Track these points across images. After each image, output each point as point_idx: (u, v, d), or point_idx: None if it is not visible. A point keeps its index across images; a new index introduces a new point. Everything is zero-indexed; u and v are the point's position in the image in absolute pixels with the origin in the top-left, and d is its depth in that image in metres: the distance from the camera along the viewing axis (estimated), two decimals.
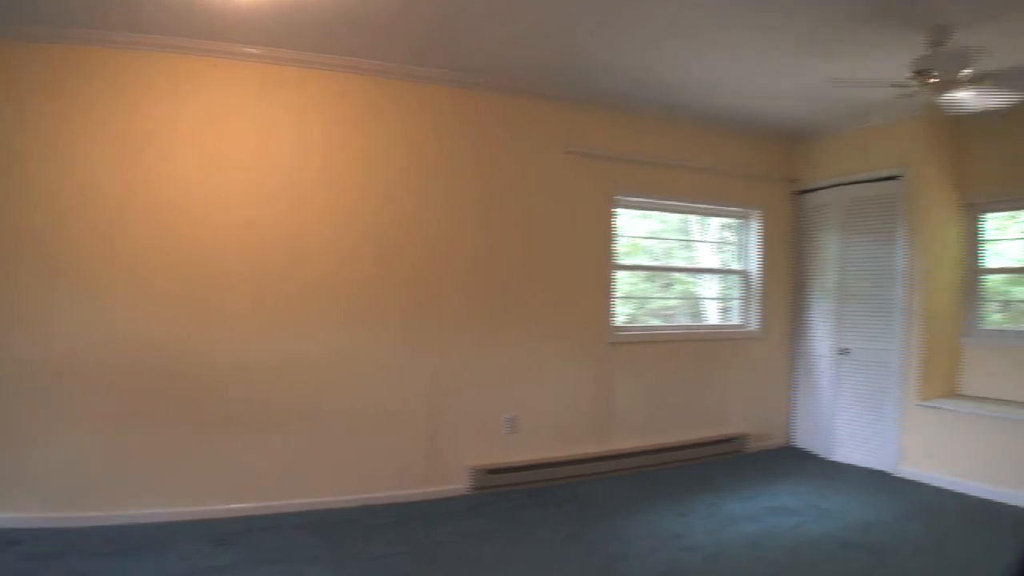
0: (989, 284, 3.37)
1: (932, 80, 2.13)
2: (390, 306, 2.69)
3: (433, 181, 2.77)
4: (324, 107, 2.58)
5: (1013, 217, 3.36)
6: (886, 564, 2.13)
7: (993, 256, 3.35)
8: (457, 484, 2.78)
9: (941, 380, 3.24)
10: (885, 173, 3.27)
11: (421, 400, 2.74)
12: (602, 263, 3.20)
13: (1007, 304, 3.39)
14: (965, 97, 2.21)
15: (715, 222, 3.87)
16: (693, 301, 3.94)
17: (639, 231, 3.64)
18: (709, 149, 3.49)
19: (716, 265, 3.88)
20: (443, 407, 2.80)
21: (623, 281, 3.47)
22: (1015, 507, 2.67)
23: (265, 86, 2.48)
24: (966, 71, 2.08)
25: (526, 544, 2.26)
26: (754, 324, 3.71)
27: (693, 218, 3.78)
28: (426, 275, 2.77)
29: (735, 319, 3.77)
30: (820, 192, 3.64)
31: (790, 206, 3.82)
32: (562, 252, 3.08)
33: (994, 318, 3.37)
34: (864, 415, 3.36)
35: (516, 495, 2.78)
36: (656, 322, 3.72)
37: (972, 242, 3.36)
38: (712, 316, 3.84)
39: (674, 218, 3.70)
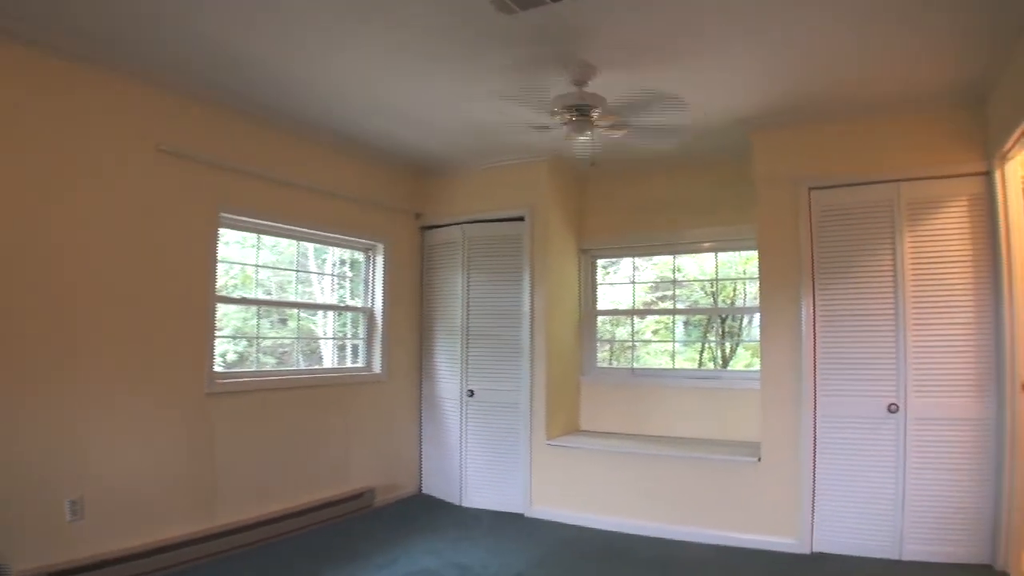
0: (600, 325, 4.91)
1: (573, 119, 2.92)
2: None
3: None
4: None
5: (615, 263, 5.02)
6: None
7: (602, 299, 4.92)
8: None
9: (565, 418, 4.52)
10: (511, 213, 4.49)
11: None
12: (199, 295, 3.33)
13: (612, 343, 4.98)
14: (600, 139, 3.12)
15: (335, 254, 4.68)
16: (312, 343, 4.64)
17: (251, 258, 4.05)
18: (336, 171, 4.21)
19: (334, 301, 4.67)
20: None
21: (232, 316, 4.00)
22: (638, 536, 3.81)
23: None
24: (606, 115, 2.91)
25: None
26: (378, 366, 4.55)
27: (312, 248, 4.51)
28: None
29: (357, 361, 4.54)
30: (448, 228, 4.75)
31: (417, 241, 4.89)
32: (145, 278, 3.10)
33: (603, 356, 4.92)
34: (494, 458, 4.42)
35: None
36: (271, 365, 4.24)
37: (588, 285, 4.87)
38: (332, 358, 4.57)
39: (292, 246, 4.30)
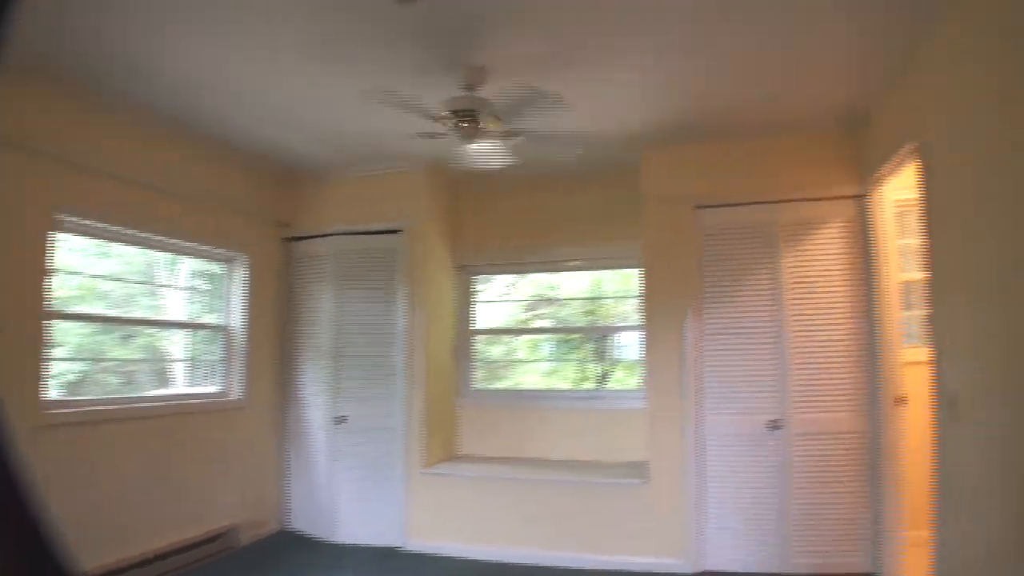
0: (477, 345, 5.07)
1: (462, 125, 2.94)
2: None
3: None
4: None
5: (490, 281, 5.23)
6: None
7: (479, 317, 5.06)
8: None
9: (442, 444, 4.58)
10: (387, 226, 4.51)
11: None
12: (29, 310, 3.08)
13: (487, 364, 5.26)
14: (488, 149, 3.18)
15: (190, 265, 4.50)
16: (162, 364, 4.44)
17: (96, 269, 3.92)
18: (194, 173, 4.02)
19: (186, 318, 4.47)
20: None
21: (72, 333, 3.71)
22: (521, 565, 3.90)
23: None
24: (495, 122, 2.94)
25: None
26: (238, 391, 4.39)
27: (162, 258, 4.30)
28: None
29: (213, 386, 4.34)
30: (318, 240, 4.68)
31: (283, 253, 4.77)
32: None
33: (480, 377, 5.09)
34: (368, 488, 4.38)
35: None
36: (115, 387, 4.01)
37: (466, 303, 5.02)
38: (185, 382, 4.36)
39: (143, 255, 4.14)
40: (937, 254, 2.70)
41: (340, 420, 4.49)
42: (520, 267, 5.17)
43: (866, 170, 3.71)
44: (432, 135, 3.17)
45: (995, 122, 2.17)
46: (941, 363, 2.64)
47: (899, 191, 3.79)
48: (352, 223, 4.64)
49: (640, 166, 4.17)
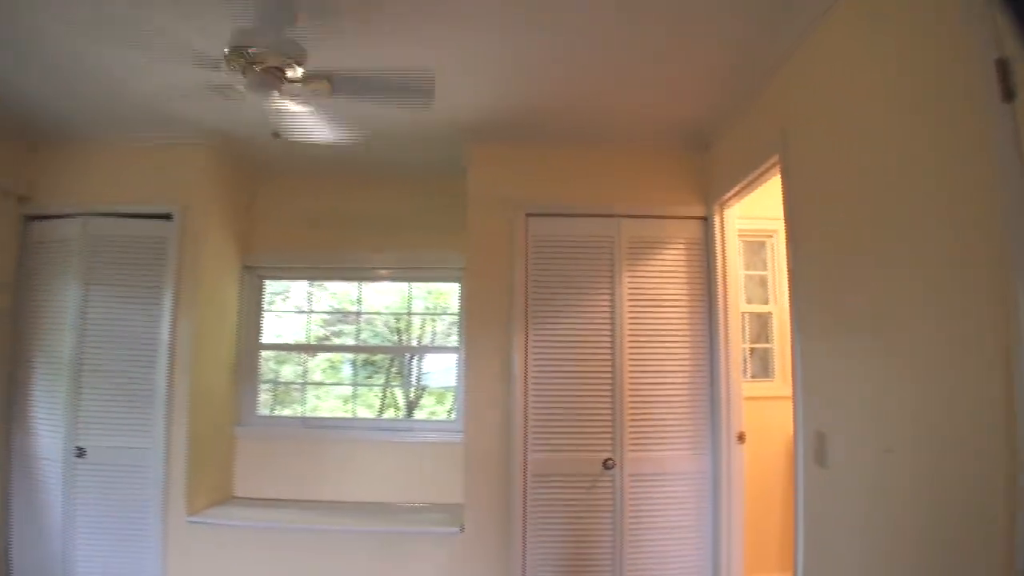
0: (265, 363, 4.82)
1: (255, 69, 2.57)
2: None
3: None
4: None
5: (285, 287, 5.04)
6: None
7: (267, 331, 4.82)
8: None
9: (214, 483, 4.27)
10: (155, 209, 4.13)
11: None
12: None
13: (276, 385, 5.05)
14: (294, 111, 2.89)
15: None
16: None
17: None
18: None
19: None
20: None
21: None
22: None
23: None
24: (298, 70, 2.62)
25: None
26: None
27: None
28: None
29: None
30: (65, 221, 4.17)
31: (16, 234, 4.20)
32: None
33: (266, 401, 4.84)
34: (115, 543, 3.94)
35: None
36: None
37: (253, 312, 4.75)
38: None
39: None
40: (800, 280, 2.84)
41: (79, 452, 4.00)
42: (321, 273, 5.00)
43: (712, 192, 3.99)
44: (223, 90, 2.85)
45: (860, 141, 2.35)
46: (806, 402, 2.76)
47: (745, 220, 4.13)
48: (113, 202, 4.21)
49: (467, 166, 4.17)
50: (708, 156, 4.12)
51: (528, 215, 4.07)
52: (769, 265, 4.85)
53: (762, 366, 4.78)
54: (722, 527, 3.81)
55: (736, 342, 3.94)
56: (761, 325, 4.80)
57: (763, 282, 4.83)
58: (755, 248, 4.87)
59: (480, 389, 4.00)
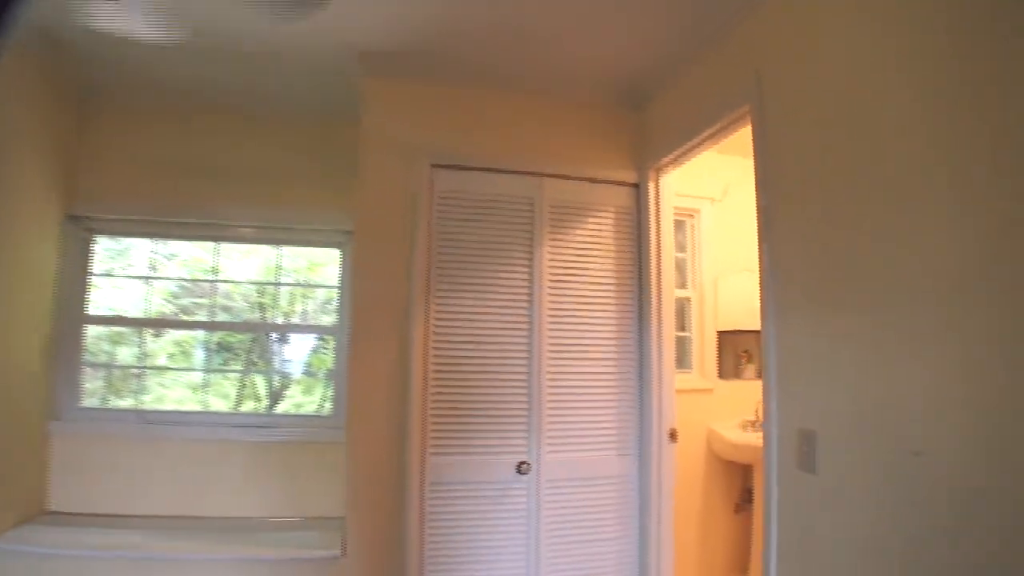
0: (94, 342, 3.80)
1: None
2: None
3: None
4: None
5: (121, 246, 3.97)
6: None
7: (98, 301, 3.78)
8: None
9: (18, 496, 3.30)
10: None
11: None
12: None
13: (109, 371, 3.91)
14: None
15: None
16: None
17: None
18: None
19: None
20: None
21: None
22: None
23: None
24: None
25: None
26: None
27: None
28: None
29: None
30: None
31: None
32: None
33: (94, 390, 3.79)
34: None
35: None
36: None
37: (78, 275, 3.70)
38: None
39: None
40: (776, 250, 2.41)
41: None
42: (169, 229, 3.93)
43: (647, 156, 3.48)
44: None
45: (852, 82, 2.01)
46: (782, 394, 2.34)
47: (681, 198, 3.72)
48: None
49: (362, 104, 3.34)
50: (644, 115, 3.59)
51: (434, 166, 3.29)
52: (689, 247, 4.40)
53: (679, 356, 4.24)
54: (651, 536, 3.31)
55: (669, 328, 3.42)
56: (678, 312, 4.27)
57: (681, 265, 4.33)
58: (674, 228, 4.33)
59: (368, 379, 3.18)
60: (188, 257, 4.18)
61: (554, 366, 3.30)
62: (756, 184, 2.52)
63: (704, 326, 4.25)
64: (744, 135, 2.68)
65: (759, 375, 4.28)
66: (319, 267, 4.31)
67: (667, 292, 3.43)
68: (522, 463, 3.19)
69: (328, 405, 3.99)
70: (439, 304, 3.21)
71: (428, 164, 3.26)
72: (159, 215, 3.81)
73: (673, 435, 3.36)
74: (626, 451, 3.40)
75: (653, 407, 3.34)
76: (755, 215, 2.50)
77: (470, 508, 3.16)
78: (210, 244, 3.99)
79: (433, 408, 3.16)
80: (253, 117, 3.87)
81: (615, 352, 3.42)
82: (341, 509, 3.16)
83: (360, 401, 3.17)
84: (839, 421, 2.03)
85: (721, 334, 4.36)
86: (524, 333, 3.28)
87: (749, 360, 4.28)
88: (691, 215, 4.35)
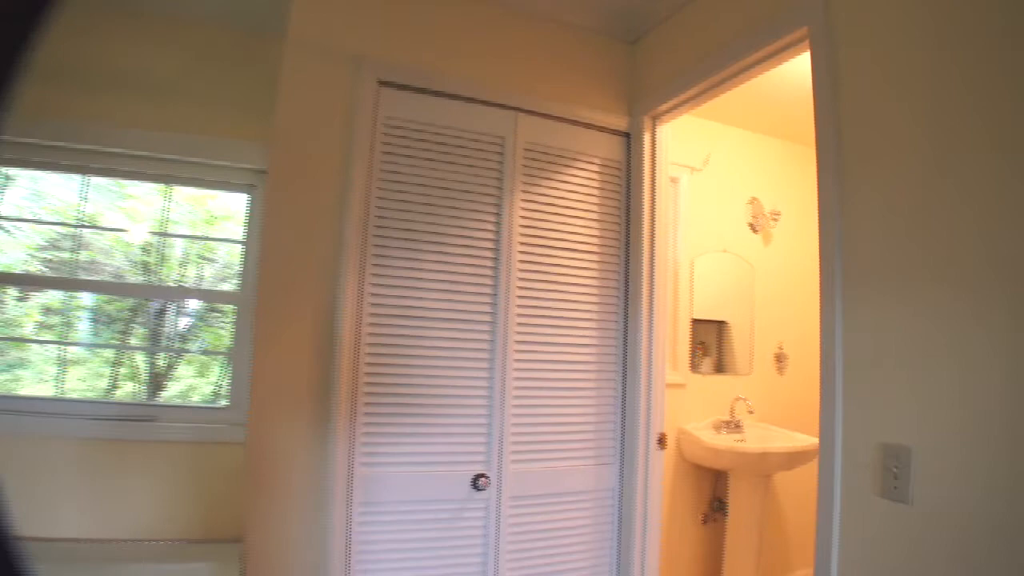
0: None
1: None
2: None
3: None
4: None
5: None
6: None
7: None
8: None
9: None
10: None
11: None
12: None
13: None
14: None
15: None
16: None
17: None
18: None
19: None
20: None
21: None
22: None
23: None
24: None
25: None
26: None
27: None
28: None
29: None
30: None
31: None
32: None
33: None
34: None
35: None
36: None
37: None
38: None
39: None
40: (850, 208, 1.80)
41: None
42: (20, 151, 2.90)
43: (642, 98, 2.83)
44: None
45: None
46: (851, 395, 1.76)
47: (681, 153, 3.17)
48: None
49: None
50: (639, 49, 2.92)
51: (382, 84, 2.46)
52: None
53: None
54: (634, 552, 2.66)
55: (662, 311, 2.78)
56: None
57: None
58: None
59: (277, 364, 2.32)
60: (57, 200, 3.15)
61: (523, 353, 2.58)
62: (817, 126, 1.90)
63: (678, 312, 3.61)
64: (732, 97, 2.37)
65: (716, 369, 3.78)
66: (222, 221, 3.39)
67: (661, 267, 2.76)
68: (480, 476, 2.46)
69: (225, 395, 3.08)
70: (378, 268, 2.40)
71: (374, 80, 2.43)
72: (23, 133, 2.79)
73: (662, 441, 2.70)
74: (606, 459, 2.73)
75: (640, 406, 2.69)
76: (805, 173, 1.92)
77: (412, 535, 2.38)
78: (77, 179, 2.98)
79: (367, 406, 2.35)
80: (144, 10, 2.89)
81: (597, 339, 2.74)
82: (239, 531, 2.33)
83: (266, 393, 2.32)
84: (949, 433, 1.48)
85: (695, 323, 3.75)
86: (487, 310, 2.54)
87: (705, 353, 3.67)
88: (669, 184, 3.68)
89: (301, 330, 2.32)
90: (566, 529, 2.60)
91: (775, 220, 3.99)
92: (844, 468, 1.75)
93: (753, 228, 3.94)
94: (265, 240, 2.37)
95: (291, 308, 2.32)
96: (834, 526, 1.76)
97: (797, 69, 2.25)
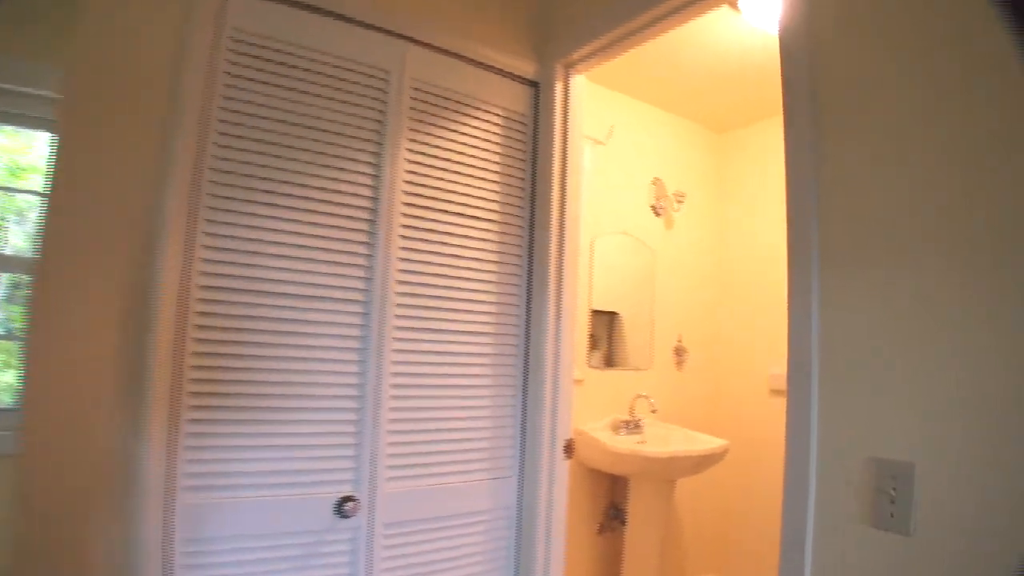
0: None
1: None
2: None
3: None
4: None
5: None
6: None
7: None
8: None
9: None
10: None
11: None
12: None
13: None
14: None
15: None
16: None
17: None
18: None
19: None
20: None
21: None
22: None
23: None
24: None
25: None
26: None
27: None
28: None
29: None
30: None
31: None
32: None
33: None
34: None
35: None
36: None
37: None
38: None
39: None
40: (828, 176, 1.44)
41: None
42: None
43: (555, 41, 2.37)
44: None
45: None
46: (829, 397, 1.39)
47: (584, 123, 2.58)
48: None
49: None
50: None
51: None
52: None
53: None
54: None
55: (571, 298, 2.32)
56: None
57: None
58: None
59: (67, 351, 1.64)
60: None
61: (405, 343, 2.04)
62: (784, 83, 1.53)
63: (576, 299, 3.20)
64: (643, 63, 2.17)
65: (607, 363, 3.41)
66: (28, 173, 2.66)
67: (572, 245, 2.30)
68: (346, 500, 1.88)
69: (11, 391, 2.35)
70: (216, 226, 1.77)
71: None
72: None
73: (569, 449, 2.24)
74: (503, 473, 2.24)
75: (545, 408, 2.23)
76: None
77: (263, 572, 1.76)
78: None
79: (195, 410, 1.71)
80: None
81: (495, 327, 2.25)
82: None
83: (48, 389, 1.63)
84: (963, 444, 1.16)
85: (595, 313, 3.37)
86: (361, 286, 1.95)
87: (594, 346, 3.28)
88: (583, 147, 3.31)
89: (103, 309, 1.66)
90: (455, 559, 2.10)
91: (679, 203, 3.66)
92: (819, 491, 1.38)
93: (655, 211, 3.59)
94: (56, 184, 1.68)
95: (88, 275, 1.65)
96: (806, 566, 1.37)
97: (710, 41, 1.83)
